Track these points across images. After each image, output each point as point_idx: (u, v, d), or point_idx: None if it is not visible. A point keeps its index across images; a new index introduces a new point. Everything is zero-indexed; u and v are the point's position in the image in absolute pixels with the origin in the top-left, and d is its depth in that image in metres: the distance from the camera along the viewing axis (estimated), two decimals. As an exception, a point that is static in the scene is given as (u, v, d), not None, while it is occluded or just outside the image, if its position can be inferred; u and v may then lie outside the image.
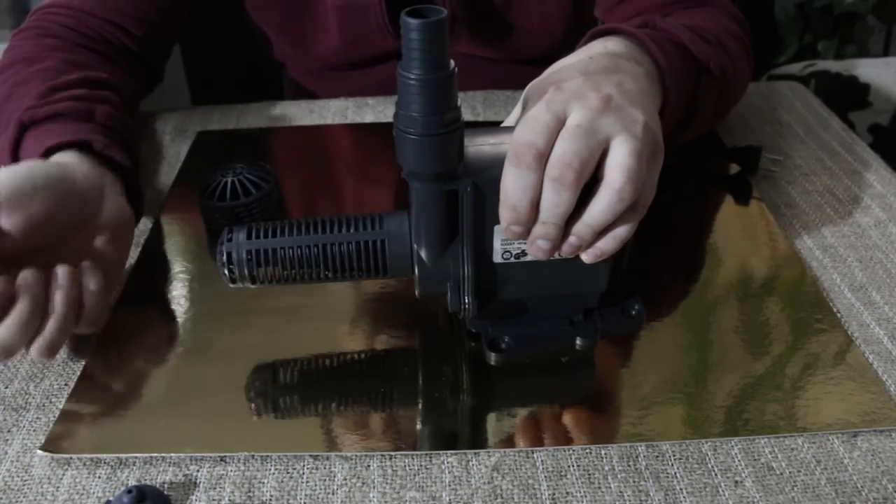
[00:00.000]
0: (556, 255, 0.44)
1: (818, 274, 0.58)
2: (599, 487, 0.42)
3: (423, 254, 0.47)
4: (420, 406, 0.48)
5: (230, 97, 0.88)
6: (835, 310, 0.54)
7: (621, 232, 0.44)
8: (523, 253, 0.46)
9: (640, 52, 0.53)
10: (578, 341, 0.51)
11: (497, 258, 0.47)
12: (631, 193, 0.42)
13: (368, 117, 0.81)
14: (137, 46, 0.74)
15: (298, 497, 0.42)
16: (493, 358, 0.50)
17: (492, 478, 0.43)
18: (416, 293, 0.49)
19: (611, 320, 0.52)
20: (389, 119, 0.81)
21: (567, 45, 0.57)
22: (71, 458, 0.44)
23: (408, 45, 0.39)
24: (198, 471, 0.44)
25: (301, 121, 0.81)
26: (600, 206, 0.43)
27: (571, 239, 0.44)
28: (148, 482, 0.43)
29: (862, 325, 0.53)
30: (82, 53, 0.69)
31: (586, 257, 0.45)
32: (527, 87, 0.49)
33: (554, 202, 0.42)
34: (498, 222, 0.44)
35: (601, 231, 0.44)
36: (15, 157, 0.57)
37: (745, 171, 0.71)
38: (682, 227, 0.64)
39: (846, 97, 1.38)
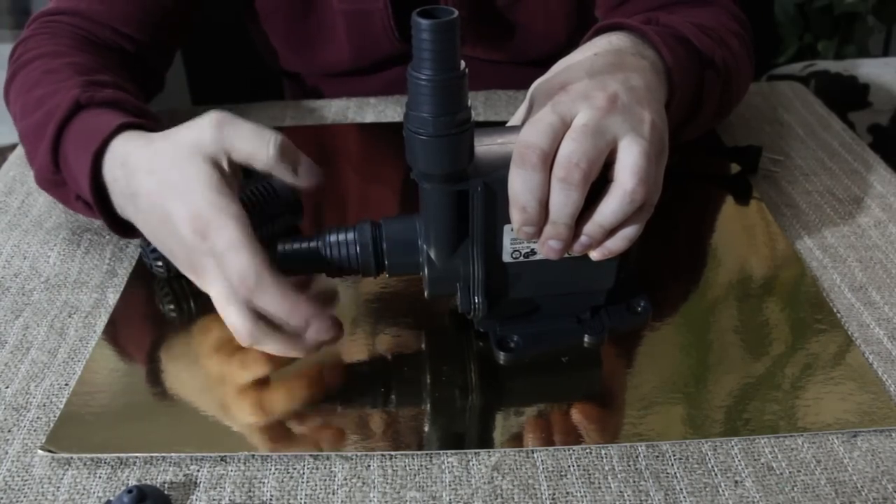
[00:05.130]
0: (566, 254, 0.45)
1: (818, 274, 0.58)
2: (599, 487, 0.43)
3: (432, 255, 0.47)
4: (426, 406, 0.48)
5: (230, 97, 0.88)
6: (835, 310, 0.54)
7: (630, 231, 0.44)
8: (532, 252, 0.47)
9: (645, 47, 0.53)
10: (586, 339, 0.51)
11: (507, 257, 0.47)
12: (642, 195, 0.43)
13: (369, 117, 0.81)
14: (143, 54, 0.73)
15: (299, 497, 0.42)
16: (502, 357, 0.50)
17: (492, 478, 0.43)
18: (426, 294, 0.49)
19: (617, 317, 0.52)
20: (390, 119, 0.81)
21: (570, 47, 0.57)
22: (71, 457, 0.44)
23: (419, 46, 0.39)
24: (198, 471, 0.44)
25: (302, 121, 0.81)
26: (612, 207, 0.43)
27: (582, 239, 0.44)
28: (148, 482, 0.43)
29: (862, 325, 0.53)
30: (103, 59, 0.67)
31: (595, 255, 0.45)
32: (532, 87, 0.49)
33: (563, 202, 0.42)
34: (507, 221, 0.44)
35: (611, 230, 0.44)
36: (59, 135, 0.55)
37: (746, 171, 0.71)
38: (683, 227, 0.64)
39: (846, 97, 1.38)
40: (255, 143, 0.48)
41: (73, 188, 0.56)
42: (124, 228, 0.54)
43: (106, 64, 0.67)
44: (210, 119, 0.49)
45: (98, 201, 0.53)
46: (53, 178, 0.57)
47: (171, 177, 0.47)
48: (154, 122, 0.56)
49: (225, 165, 0.48)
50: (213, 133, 0.48)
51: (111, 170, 0.51)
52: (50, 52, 0.65)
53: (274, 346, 0.46)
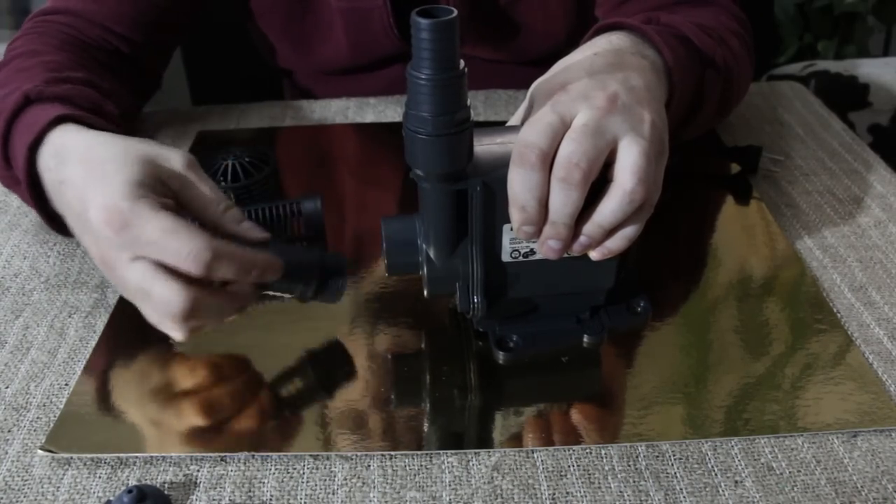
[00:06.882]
0: (565, 254, 0.45)
1: (818, 274, 0.58)
2: (599, 487, 0.43)
3: (432, 254, 0.47)
4: (426, 406, 0.48)
5: (230, 97, 0.88)
6: (835, 310, 0.54)
7: (630, 231, 0.44)
8: (531, 251, 0.47)
9: (645, 46, 0.53)
10: (586, 339, 0.51)
11: (506, 257, 0.47)
12: (642, 194, 0.43)
13: (369, 117, 0.81)
14: (138, 54, 0.73)
15: (298, 497, 0.42)
16: (501, 357, 0.50)
17: (492, 478, 0.43)
18: (425, 293, 0.49)
19: (617, 317, 0.52)
20: (390, 119, 0.81)
21: (569, 46, 0.57)
22: (71, 457, 0.44)
23: (418, 45, 0.39)
24: (198, 471, 0.44)
25: (302, 120, 0.81)
26: (611, 207, 0.43)
27: (582, 239, 0.44)
28: (148, 482, 0.43)
29: (862, 325, 0.53)
30: (86, 58, 0.68)
31: (594, 255, 0.45)
32: (532, 87, 0.49)
33: (562, 202, 0.42)
34: (507, 221, 0.44)
35: (610, 230, 0.44)
36: (8, 130, 0.55)
37: (746, 171, 0.71)
38: (683, 227, 0.64)
39: (846, 97, 1.38)
40: (212, 194, 0.47)
41: (24, 185, 0.54)
42: (63, 226, 0.52)
43: (86, 63, 0.66)
44: (182, 152, 0.48)
45: (35, 196, 0.52)
46: (7, 174, 0.56)
47: (100, 169, 0.45)
48: (107, 121, 0.56)
49: (164, 183, 0.46)
50: (178, 157, 0.47)
51: (45, 160, 0.50)
52: (28, 52, 0.65)
53: (214, 312, 0.45)
